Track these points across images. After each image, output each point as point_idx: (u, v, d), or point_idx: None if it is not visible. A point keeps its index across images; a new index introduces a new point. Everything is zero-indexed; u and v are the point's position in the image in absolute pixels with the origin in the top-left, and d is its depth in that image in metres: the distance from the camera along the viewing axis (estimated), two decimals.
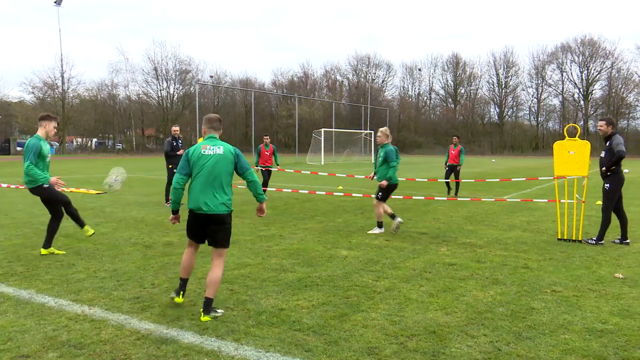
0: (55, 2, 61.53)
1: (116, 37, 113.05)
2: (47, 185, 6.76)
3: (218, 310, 4.63)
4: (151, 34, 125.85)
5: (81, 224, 7.23)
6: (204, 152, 4.69)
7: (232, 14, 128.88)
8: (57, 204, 6.99)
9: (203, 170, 4.65)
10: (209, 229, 4.71)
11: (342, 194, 14.93)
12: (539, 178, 14.71)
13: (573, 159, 7.87)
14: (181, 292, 4.88)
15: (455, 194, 15.08)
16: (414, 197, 13.10)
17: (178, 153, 12.35)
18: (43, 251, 6.92)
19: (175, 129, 12.68)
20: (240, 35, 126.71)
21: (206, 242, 4.81)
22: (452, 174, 15.51)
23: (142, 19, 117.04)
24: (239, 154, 4.78)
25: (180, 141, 12.54)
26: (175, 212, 4.91)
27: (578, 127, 8.25)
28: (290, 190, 15.24)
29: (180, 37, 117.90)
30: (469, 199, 11.90)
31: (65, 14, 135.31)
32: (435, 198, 13.38)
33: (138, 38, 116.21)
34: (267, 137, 14.57)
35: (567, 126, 8.48)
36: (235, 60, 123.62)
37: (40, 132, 6.89)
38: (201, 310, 4.53)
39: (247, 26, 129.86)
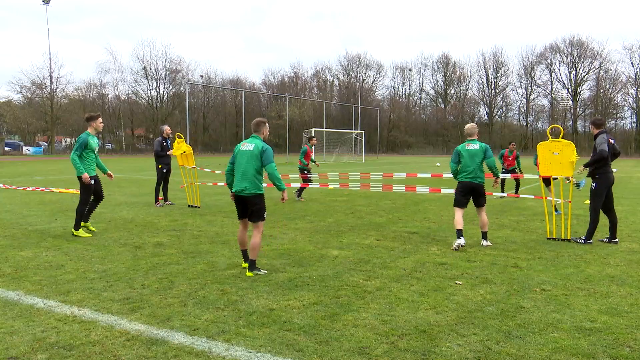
0: (43, 1, 60.98)
1: (100, 37, 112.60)
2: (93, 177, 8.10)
3: (262, 270, 5.89)
4: (135, 35, 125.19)
5: (85, 220, 8.34)
6: (242, 148, 5.95)
7: (217, 15, 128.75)
8: (89, 192, 8.15)
9: (239, 162, 5.91)
10: (247, 207, 5.95)
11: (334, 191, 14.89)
12: (524, 176, 14.68)
13: (557, 159, 7.90)
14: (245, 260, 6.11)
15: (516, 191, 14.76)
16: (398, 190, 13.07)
17: (168, 153, 12.30)
18: (85, 226, 8.28)
19: (168, 129, 12.67)
20: (226, 36, 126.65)
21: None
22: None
23: (126, 20, 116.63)
24: (265, 151, 5.83)
25: (169, 141, 12.48)
26: (231, 191, 6.08)
27: (561, 127, 8.29)
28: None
29: (166, 37, 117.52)
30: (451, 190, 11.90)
31: (51, 14, 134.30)
32: (418, 190, 13.39)
33: (122, 38, 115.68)
34: (314, 138, 15.51)
35: (550, 127, 8.50)
36: (224, 61, 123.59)
37: (90, 130, 8.28)
38: (247, 267, 5.88)
39: (232, 27, 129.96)
